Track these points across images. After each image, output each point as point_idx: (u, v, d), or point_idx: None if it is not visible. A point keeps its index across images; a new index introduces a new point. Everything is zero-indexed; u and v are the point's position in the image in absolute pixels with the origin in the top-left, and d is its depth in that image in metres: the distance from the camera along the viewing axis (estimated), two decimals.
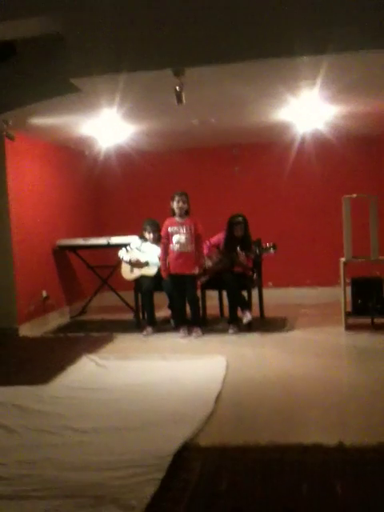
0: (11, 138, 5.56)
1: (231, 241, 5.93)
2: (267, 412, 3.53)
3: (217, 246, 6.08)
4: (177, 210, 5.77)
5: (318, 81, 4.32)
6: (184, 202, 5.75)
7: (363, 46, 3.67)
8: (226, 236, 6.00)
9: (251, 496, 2.45)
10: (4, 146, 5.86)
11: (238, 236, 5.92)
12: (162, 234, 5.85)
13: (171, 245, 5.75)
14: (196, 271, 5.76)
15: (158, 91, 4.54)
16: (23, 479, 2.67)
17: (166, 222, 5.85)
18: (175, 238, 5.74)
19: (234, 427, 3.36)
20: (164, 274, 5.84)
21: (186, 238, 5.71)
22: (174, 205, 5.77)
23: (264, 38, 3.74)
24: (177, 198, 5.75)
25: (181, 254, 5.72)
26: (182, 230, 5.74)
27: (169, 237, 5.78)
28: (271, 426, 3.30)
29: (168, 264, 5.80)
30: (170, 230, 5.78)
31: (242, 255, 5.82)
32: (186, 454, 2.85)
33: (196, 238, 5.74)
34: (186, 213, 5.79)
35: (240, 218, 5.94)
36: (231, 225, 5.95)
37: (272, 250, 5.75)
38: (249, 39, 3.76)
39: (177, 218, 5.79)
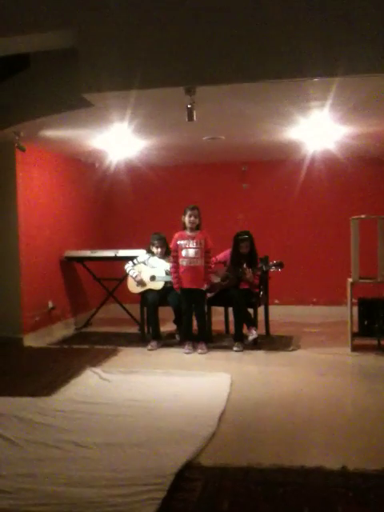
0: (22, 150, 5.61)
1: (237, 257, 5.93)
2: (271, 432, 3.51)
3: (223, 262, 6.08)
4: (188, 224, 5.77)
5: (328, 102, 4.34)
6: (195, 217, 5.75)
7: (374, 68, 3.68)
8: (232, 253, 6.00)
9: None
10: (15, 157, 5.92)
11: (244, 253, 5.92)
12: (172, 246, 5.85)
13: (180, 259, 5.76)
14: (204, 287, 5.76)
15: (168, 107, 4.57)
16: (23, 493, 2.66)
17: (176, 235, 5.84)
18: (184, 252, 5.74)
19: (236, 447, 3.34)
20: (176, 287, 5.83)
21: (195, 252, 5.71)
22: (186, 219, 5.78)
23: (275, 59, 3.76)
24: (188, 212, 5.76)
25: (189, 268, 5.72)
26: (191, 244, 5.74)
27: (178, 250, 5.79)
28: (274, 447, 3.28)
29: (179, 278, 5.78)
30: (179, 243, 5.78)
31: (248, 272, 5.82)
32: (187, 474, 2.83)
33: (205, 253, 5.74)
34: (197, 227, 5.80)
35: (246, 235, 5.95)
36: (237, 242, 5.95)
37: (276, 267, 5.77)
38: (260, 60, 3.79)
39: (187, 232, 5.80)
